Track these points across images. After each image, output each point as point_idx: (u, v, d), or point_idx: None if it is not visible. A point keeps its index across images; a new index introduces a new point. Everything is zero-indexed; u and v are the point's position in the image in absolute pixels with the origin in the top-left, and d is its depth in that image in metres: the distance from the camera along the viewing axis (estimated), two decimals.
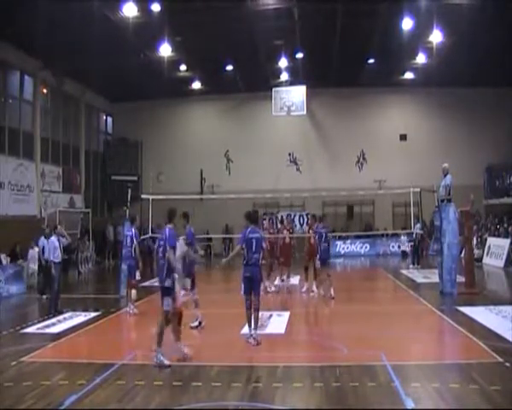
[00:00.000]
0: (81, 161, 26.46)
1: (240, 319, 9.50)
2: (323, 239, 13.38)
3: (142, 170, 29.35)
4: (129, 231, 11.93)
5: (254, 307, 8.84)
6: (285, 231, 15.37)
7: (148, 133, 29.16)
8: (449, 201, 13.58)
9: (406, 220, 23.98)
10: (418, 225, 19.72)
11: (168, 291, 7.76)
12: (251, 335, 8.74)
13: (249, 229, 8.96)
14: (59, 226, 13.56)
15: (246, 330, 9.50)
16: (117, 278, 14.95)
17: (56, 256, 12.31)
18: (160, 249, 7.92)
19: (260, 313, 10.40)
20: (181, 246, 9.02)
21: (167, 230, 7.97)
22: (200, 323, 9.88)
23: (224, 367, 7.51)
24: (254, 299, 8.85)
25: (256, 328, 8.83)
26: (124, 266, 13.26)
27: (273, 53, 22.47)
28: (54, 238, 12.56)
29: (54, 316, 11.51)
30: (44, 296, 14.00)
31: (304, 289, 14.17)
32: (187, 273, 9.69)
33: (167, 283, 7.74)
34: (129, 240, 11.77)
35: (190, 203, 25.93)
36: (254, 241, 8.82)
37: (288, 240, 15.06)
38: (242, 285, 8.85)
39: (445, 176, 13.69)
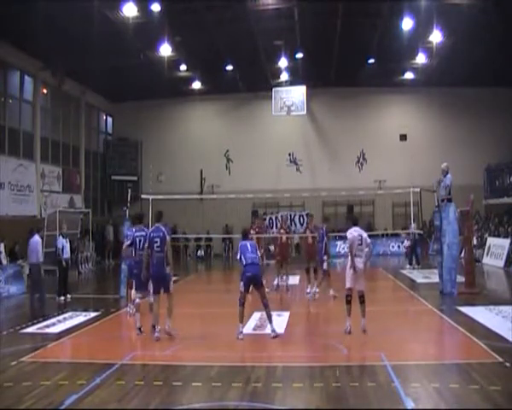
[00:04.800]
0: (81, 161, 26.46)
1: None
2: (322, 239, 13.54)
3: (142, 170, 29.37)
4: (129, 230, 11.92)
5: (264, 304, 9.29)
6: (281, 231, 15.37)
7: (148, 133, 29.18)
8: (449, 201, 13.57)
9: (406, 220, 23.99)
10: (413, 225, 19.66)
11: (169, 277, 9.31)
12: (241, 331, 9.10)
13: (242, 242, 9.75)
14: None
15: (246, 330, 9.52)
16: (117, 278, 14.96)
17: (40, 257, 12.13)
18: (156, 244, 9.14)
19: (260, 313, 10.48)
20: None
21: (163, 227, 9.38)
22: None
23: (224, 367, 7.51)
24: (261, 296, 9.36)
25: (271, 322, 9.28)
26: (124, 266, 13.27)
27: (273, 53, 22.48)
28: (37, 238, 12.25)
29: (44, 318, 11.22)
30: (62, 298, 14.00)
31: (308, 290, 14.16)
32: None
33: (167, 270, 9.22)
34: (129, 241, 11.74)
35: (190, 203, 26.11)
36: (249, 244, 9.58)
37: (284, 239, 15.06)
38: (242, 283, 9.26)
39: (445, 176, 13.67)
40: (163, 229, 9.34)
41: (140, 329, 9.60)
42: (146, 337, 9.34)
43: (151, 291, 9.54)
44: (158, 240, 9.15)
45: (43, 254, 12.38)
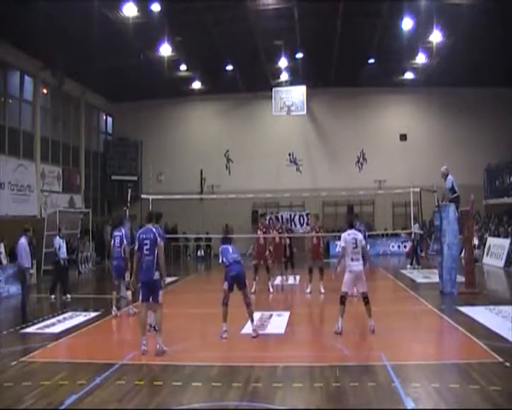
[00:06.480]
0: (81, 161, 26.47)
1: (240, 319, 9.52)
2: None
3: (142, 170, 29.38)
4: (119, 231, 11.91)
5: (246, 303, 9.23)
6: (274, 232, 15.36)
7: (148, 133, 29.20)
8: (456, 200, 13.50)
9: (406, 220, 23.99)
10: (416, 225, 19.67)
11: (159, 284, 8.35)
12: (225, 330, 9.05)
13: (223, 246, 9.72)
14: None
15: (246, 330, 9.51)
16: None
17: (27, 261, 11.79)
18: (146, 247, 8.32)
19: (260, 313, 10.48)
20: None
21: (154, 229, 8.50)
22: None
23: (224, 367, 7.51)
24: (243, 296, 9.30)
25: (252, 321, 9.29)
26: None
27: (273, 53, 22.49)
28: (24, 241, 11.88)
29: (27, 325, 10.78)
30: (53, 296, 14.15)
31: (308, 290, 14.14)
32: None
33: (156, 276, 8.30)
34: (118, 240, 11.75)
35: (190, 203, 26.10)
36: (230, 247, 9.54)
37: (277, 240, 15.07)
38: (226, 283, 9.19)
39: (446, 179, 13.65)
40: (154, 230, 8.44)
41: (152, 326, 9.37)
42: (146, 337, 9.31)
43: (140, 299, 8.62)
44: (148, 242, 8.30)
45: (30, 257, 12.01)
